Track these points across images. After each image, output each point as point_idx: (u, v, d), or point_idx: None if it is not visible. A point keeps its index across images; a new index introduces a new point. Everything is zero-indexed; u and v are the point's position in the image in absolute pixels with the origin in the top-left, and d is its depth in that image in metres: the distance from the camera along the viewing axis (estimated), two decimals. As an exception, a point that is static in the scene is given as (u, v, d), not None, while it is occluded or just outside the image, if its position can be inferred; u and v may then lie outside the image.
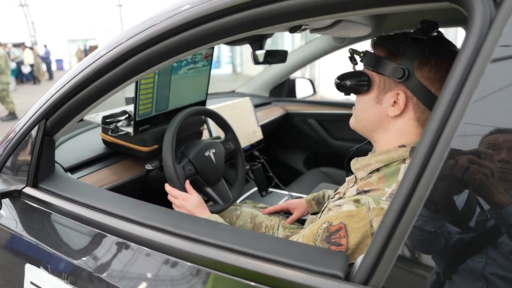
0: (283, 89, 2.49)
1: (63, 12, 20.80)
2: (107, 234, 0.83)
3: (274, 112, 2.29)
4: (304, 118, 2.33)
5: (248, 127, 1.79)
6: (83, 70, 0.91)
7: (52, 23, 21.00)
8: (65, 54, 21.65)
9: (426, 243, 0.48)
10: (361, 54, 0.86)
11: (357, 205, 0.73)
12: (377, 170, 0.81)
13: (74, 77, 0.93)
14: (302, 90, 2.54)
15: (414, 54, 0.76)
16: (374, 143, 0.88)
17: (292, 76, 2.51)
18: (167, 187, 1.13)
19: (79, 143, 1.37)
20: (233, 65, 17.56)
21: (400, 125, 0.80)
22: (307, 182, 1.96)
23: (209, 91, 2.36)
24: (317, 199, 1.30)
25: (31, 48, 14.69)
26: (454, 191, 0.48)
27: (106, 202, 0.90)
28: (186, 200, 1.09)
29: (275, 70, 2.37)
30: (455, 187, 0.48)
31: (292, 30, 1.11)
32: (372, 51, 0.84)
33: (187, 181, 1.14)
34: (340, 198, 0.83)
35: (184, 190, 1.12)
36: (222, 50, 19.80)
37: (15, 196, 1.06)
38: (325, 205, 0.96)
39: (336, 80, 0.88)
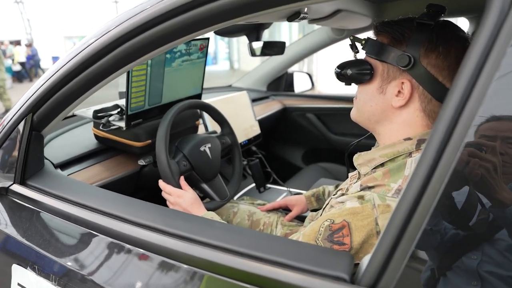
0: (281, 83, 2.44)
1: (59, 8, 20.63)
2: (96, 234, 0.79)
3: (271, 107, 2.24)
4: (302, 112, 2.28)
5: (245, 121, 1.75)
6: (69, 61, 0.86)
7: (48, 20, 20.83)
8: (61, 51, 21.50)
9: (440, 242, 0.44)
10: (363, 41, 0.82)
11: (361, 201, 0.69)
12: (382, 165, 0.77)
13: (61, 68, 0.88)
14: (300, 84, 2.49)
15: (420, 40, 0.72)
16: (377, 136, 0.83)
17: (290, 70, 2.46)
18: (161, 183, 1.08)
19: (71, 139, 1.33)
20: (230, 61, 17.46)
21: (405, 116, 0.76)
22: (306, 177, 1.92)
23: (206, 86, 2.31)
24: (317, 195, 1.26)
25: (30, 45, 14.51)
26: (468, 188, 0.43)
27: (96, 199, 0.86)
28: (181, 197, 1.05)
29: (273, 63, 2.32)
30: (470, 183, 0.43)
31: (290, 18, 1.06)
32: (375, 38, 0.80)
33: (182, 177, 1.10)
34: (342, 194, 0.79)
35: (178, 186, 1.08)
36: (219, 46, 19.69)
37: (2, 193, 1.02)
38: (327, 201, 0.92)
39: (336, 69, 0.84)
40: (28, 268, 0.87)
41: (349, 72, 0.80)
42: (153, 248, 0.68)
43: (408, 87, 0.73)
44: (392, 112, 0.77)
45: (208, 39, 1.32)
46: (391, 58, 0.74)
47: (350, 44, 0.89)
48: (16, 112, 1.00)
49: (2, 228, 0.99)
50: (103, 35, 0.80)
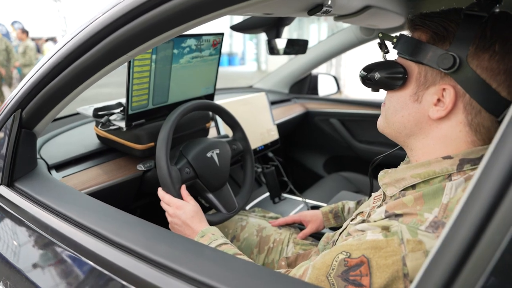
0: (304, 86, 2.30)
1: (93, 6, 21.19)
2: (71, 251, 0.68)
3: (293, 110, 2.11)
4: (325, 117, 2.13)
5: (262, 125, 1.62)
6: (57, 52, 0.76)
7: (83, 17, 21.45)
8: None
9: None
10: (395, 39, 0.68)
11: (386, 233, 0.55)
12: (413, 187, 0.63)
13: (48, 60, 0.78)
14: (325, 87, 2.34)
15: (468, 36, 0.57)
16: (409, 152, 0.69)
17: (314, 71, 2.31)
18: (160, 192, 0.98)
19: (72, 137, 1.24)
20: (258, 62, 17.39)
21: (445, 131, 0.61)
22: (325, 188, 1.77)
23: (228, 86, 2.21)
24: (335, 211, 1.11)
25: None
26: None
27: (80, 211, 0.76)
28: (180, 208, 0.94)
29: (296, 64, 2.19)
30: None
31: (311, 11, 0.93)
32: (410, 35, 0.66)
33: (183, 186, 0.98)
34: (363, 221, 0.65)
35: (179, 196, 0.97)
36: (247, 47, 19.68)
37: None
38: (344, 225, 0.78)
39: (362, 72, 0.70)
40: (1, 283, 0.77)
41: (377, 76, 0.66)
42: (129, 278, 0.57)
43: (450, 94, 0.58)
44: (429, 125, 0.63)
45: (222, 34, 1.21)
46: (430, 59, 0.60)
47: (378, 43, 0.75)
48: (5, 108, 0.92)
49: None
50: (89, 24, 0.69)
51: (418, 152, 0.66)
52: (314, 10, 0.92)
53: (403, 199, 0.60)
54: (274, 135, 1.68)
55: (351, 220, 0.75)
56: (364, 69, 0.70)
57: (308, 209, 1.48)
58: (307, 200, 1.54)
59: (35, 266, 0.74)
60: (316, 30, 12.21)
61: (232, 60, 19.19)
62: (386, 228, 0.56)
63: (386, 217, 0.59)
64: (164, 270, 0.54)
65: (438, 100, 0.60)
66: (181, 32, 0.65)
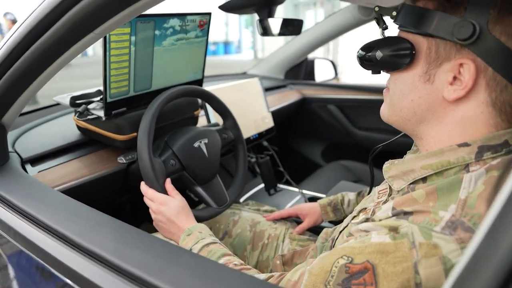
0: (300, 71, 2.20)
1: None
2: (37, 259, 0.60)
3: (289, 97, 2.02)
4: (323, 103, 2.04)
5: (256, 112, 1.54)
6: (15, 31, 0.67)
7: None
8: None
9: None
10: (394, 12, 0.59)
11: (394, 235, 0.47)
12: (423, 179, 0.55)
13: (6, 42, 0.69)
14: (322, 72, 2.24)
15: None
16: (418, 141, 0.60)
17: (310, 56, 2.21)
18: (143, 186, 0.90)
19: (49, 129, 1.16)
20: (254, 50, 17.17)
21: (464, 113, 0.52)
22: (324, 178, 1.69)
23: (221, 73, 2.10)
24: (334, 204, 1.04)
25: None
26: None
27: (48, 210, 0.68)
28: (165, 204, 0.86)
29: (291, 48, 2.09)
30: None
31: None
32: (413, 4, 0.57)
33: (168, 180, 0.90)
34: (367, 219, 0.57)
35: (163, 190, 0.89)
36: (243, 35, 19.42)
37: None
38: (345, 224, 0.70)
39: (360, 51, 0.61)
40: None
41: (378, 55, 0.58)
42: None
43: (470, 70, 0.50)
44: (443, 108, 0.54)
45: (209, 14, 1.11)
46: (442, 29, 0.51)
47: (375, 18, 0.67)
48: (-32, 97, 0.83)
49: None
50: (41, 3, 0.60)
51: (429, 140, 0.57)
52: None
53: (413, 194, 0.52)
54: (269, 122, 1.59)
55: (353, 218, 0.67)
56: (363, 48, 0.61)
57: (305, 201, 1.41)
58: (304, 191, 1.46)
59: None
60: (312, 17, 12.00)
61: (228, 48, 18.94)
62: (394, 229, 0.48)
63: (393, 215, 0.51)
64: (131, 280, 0.46)
65: (455, 78, 0.51)
66: (149, 5, 0.56)
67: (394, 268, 0.45)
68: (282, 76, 2.20)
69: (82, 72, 8.36)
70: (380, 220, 0.52)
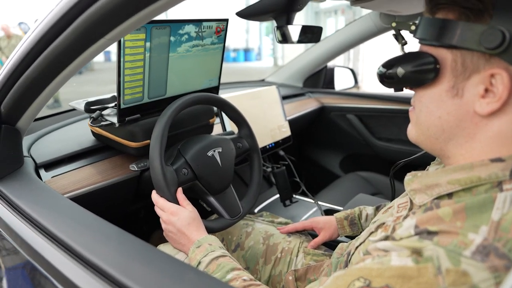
0: (319, 79, 2.17)
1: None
2: (41, 269, 0.59)
3: (307, 105, 1.98)
4: (342, 112, 2.00)
5: (272, 121, 1.51)
6: (28, 38, 0.67)
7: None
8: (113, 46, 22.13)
9: None
10: (412, 26, 0.55)
11: (417, 258, 0.43)
12: (449, 195, 0.50)
13: (20, 48, 0.69)
14: (342, 80, 2.20)
15: None
16: (446, 160, 0.56)
17: (330, 64, 2.18)
18: (154, 195, 0.88)
19: (65, 134, 1.16)
20: (274, 57, 17.21)
21: (499, 127, 0.48)
22: (341, 189, 1.64)
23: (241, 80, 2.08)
24: (351, 218, 0.99)
25: None
26: None
27: (54, 217, 0.66)
28: (175, 214, 0.83)
29: (310, 56, 2.05)
30: None
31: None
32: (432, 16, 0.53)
33: (180, 189, 0.88)
34: (386, 237, 0.53)
35: (174, 200, 0.86)
36: (263, 42, 19.50)
37: None
38: (362, 239, 0.66)
39: (381, 68, 0.58)
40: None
41: (400, 72, 0.54)
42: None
43: (503, 80, 0.45)
44: (475, 124, 0.50)
45: (227, 20, 1.10)
46: (468, 40, 0.47)
47: (394, 34, 0.63)
48: (-17, 102, 0.83)
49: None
50: (57, 5, 0.59)
51: (458, 158, 0.53)
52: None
53: (438, 212, 0.48)
54: (285, 131, 1.56)
55: (370, 234, 0.63)
56: (384, 65, 0.57)
57: (321, 213, 1.36)
58: (321, 203, 1.41)
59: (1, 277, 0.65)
60: (333, 25, 11.93)
61: (248, 56, 19.04)
62: (417, 252, 0.43)
63: (416, 234, 0.47)
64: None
65: (486, 90, 0.47)
66: (161, 9, 0.54)
67: None
68: (300, 84, 2.17)
69: (106, 77, 8.56)
70: (401, 238, 0.48)
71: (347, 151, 2.07)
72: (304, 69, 2.12)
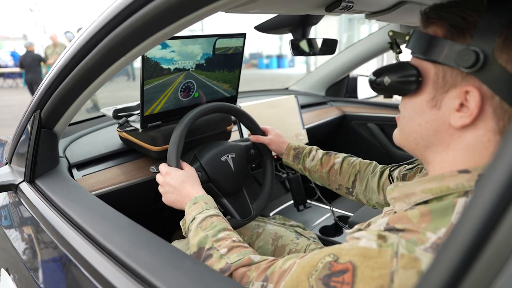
0: (342, 88, 2.20)
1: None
2: (67, 254, 0.68)
3: (328, 114, 2.02)
4: (363, 121, 2.02)
5: (290, 129, 1.57)
6: (65, 55, 0.78)
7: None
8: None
9: None
10: (406, 37, 0.60)
11: (381, 243, 0.48)
12: (425, 203, 0.55)
13: (58, 63, 0.80)
14: (365, 89, 2.22)
15: (494, 26, 0.48)
16: (426, 166, 0.61)
17: (354, 73, 2.21)
18: (161, 167, 0.94)
19: (96, 138, 1.28)
20: (307, 64, 17.22)
21: (470, 140, 0.52)
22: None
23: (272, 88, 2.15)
24: (298, 152, 1.11)
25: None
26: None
27: (82, 212, 0.76)
28: (169, 174, 0.90)
29: (333, 65, 2.10)
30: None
31: (329, 8, 0.87)
32: (423, 31, 0.58)
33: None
34: (359, 230, 0.58)
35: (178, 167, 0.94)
36: (296, 49, 19.50)
37: (12, 189, 0.98)
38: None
39: (371, 76, 0.63)
40: (11, 274, 0.80)
41: (386, 81, 0.59)
42: (106, 284, 0.56)
43: (475, 98, 0.50)
44: (450, 135, 0.54)
45: (244, 35, 1.18)
46: (448, 57, 0.52)
47: (389, 43, 0.68)
48: (28, 108, 0.96)
49: (4, 225, 0.95)
50: (87, 29, 0.70)
51: (435, 166, 0.58)
52: (332, 6, 0.86)
53: (408, 213, 0.53)
54: (303, 139, 1.62)
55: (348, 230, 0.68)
56: (374, 73, 0.63)
57: (334, 219, 1.40)
58: (334, 209, 1.46)
59: (36, 263, 0.75)
60: (366, 31, 11.80)
61: (281, 62, 19.15)
62: (382, 237, 0.49)
63: (385, 230, 0.52)
64: (136, 278, 0.51)
65: (461, 105, 0.52)
66: (177, 30, 0.62)
67: (371, 273, 0.46)
68: (323, 93, 2.22)
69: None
70: (372, 229, 0.53)
71: (366, 160, 2.09)
72: (326, 78, 2.17)
